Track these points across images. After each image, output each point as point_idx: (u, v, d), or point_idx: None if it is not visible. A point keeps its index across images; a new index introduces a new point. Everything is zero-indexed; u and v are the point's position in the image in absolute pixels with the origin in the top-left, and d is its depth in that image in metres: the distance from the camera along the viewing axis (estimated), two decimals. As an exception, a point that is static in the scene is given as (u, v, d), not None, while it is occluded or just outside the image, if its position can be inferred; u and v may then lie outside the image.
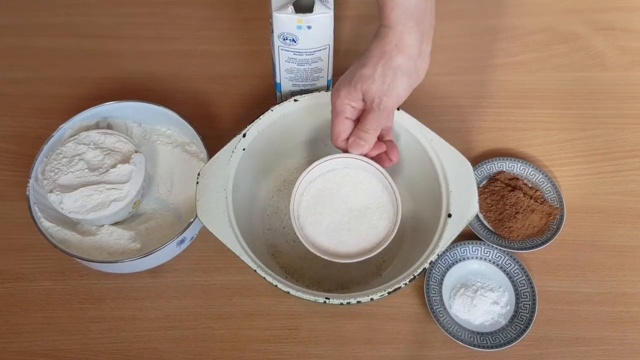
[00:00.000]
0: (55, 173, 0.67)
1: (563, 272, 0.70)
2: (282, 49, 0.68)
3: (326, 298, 0.58)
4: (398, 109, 0.64)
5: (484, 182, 0.75)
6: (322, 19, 0.64)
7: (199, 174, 0.63)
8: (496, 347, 0.64)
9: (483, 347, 0.64)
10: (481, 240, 0.70)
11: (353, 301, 0.58)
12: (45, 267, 0.70)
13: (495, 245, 0.69)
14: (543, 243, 0.70)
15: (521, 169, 0.75)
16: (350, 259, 0.60)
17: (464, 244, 0.69)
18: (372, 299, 0.58)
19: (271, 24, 0.66)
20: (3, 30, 0.87)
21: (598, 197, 0.75)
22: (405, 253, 0.68)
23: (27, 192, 0.67)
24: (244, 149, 0.65)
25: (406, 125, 0.67)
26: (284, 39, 0.66)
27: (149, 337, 0.67)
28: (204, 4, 0.90)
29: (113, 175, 0.67)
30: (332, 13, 0.64)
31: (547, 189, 0.74)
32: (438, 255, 0.59)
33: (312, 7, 0.63)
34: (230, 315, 0.68)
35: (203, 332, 0.67)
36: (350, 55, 0.83)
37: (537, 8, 0.89)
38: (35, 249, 0.70)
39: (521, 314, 0.66)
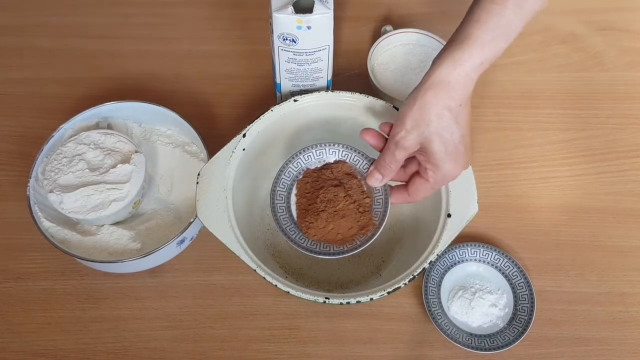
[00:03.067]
0: (56, 173, 0.67)
1: (562, 272, 0.70)
2: (282, 49, 0.68)
3: (326, 298, 0.58)
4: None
5: (319, 166, 0.62)
6: (322, 19, 0.64)
7: (199, 174, 0.64)
8: (494, 349, 0.64)
9: (481, 350, 0.64)
10: (480, 242, 0.69)
11: (353, 301, 0.58)
12: (46, 266, 0.70)
13: (494, 247, 0.69)
14: (328, 254, 0.58)
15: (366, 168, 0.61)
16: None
17: (463, 245, 0.69)
18: (371, 299, 0.58)
19: (271, 24, 0.66)
20: (3, 30, 0.87)
21: (598, 197, 0.75)
22: (405, 253, 0.68)
23: (28, 192, 0.67)
24: (244, 149, 0.66)
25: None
26: (284, 39, 0.66)
27: (149, 337, 0.67)
28: (204, 4, 0.90)
29: (113, 175, 0.67)
30: (331, 13, 0.64)
31: (379, 200, 0.60)
32: (438, 255, 0.60)
33: (312, 7, 0.63)
34: (230, 315, 0.68)
35: (203, 332, 0.67)
36: (350, 55, 0.84)
37: (537, 8, 0.89)
38: (36, 248, 0.70)
39: (519, 316, 0.66)
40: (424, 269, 0.59)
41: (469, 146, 0.56)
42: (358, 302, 0.58)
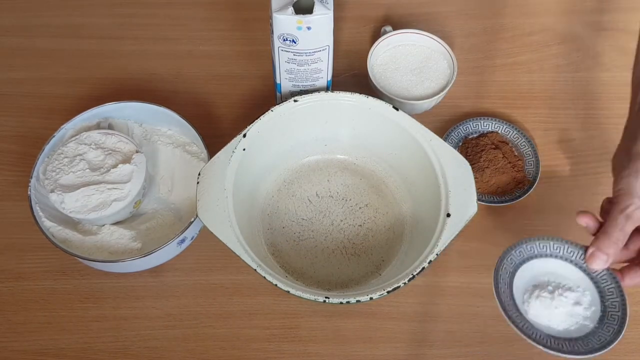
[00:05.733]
0: (57, 173, 0.67)
1: (562, 271, 0.70)
2: (282, 50, 0.68)
3: (326, 297, 0.58)
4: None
5: (474, 136, 0.77)
6: (322, 19, 0.64)
7: (199, 174, 0.64)
8: (592, 352, 0.55)
9: (579, 354, 0.55)
10: (549, 236, 0.61)
11: (352, 300, 0.58)
12: (47, 266, 0.70)
13: (565, 240, 0.60)
14: (497, 202, 0.72)
15: (515, 136, 0.77)
16: None
17: (530, 240, 0.60)
18: (371, 298, 0.58)
19: (271, 24, 0.66)
20: (4, 31, 0.87)
21: (598, 197, 0.74)
22: (405, 252, 0.69)
23: (29, 192, 0.67)
24: (244, 149, 0.66)
25: (405, 125, 0.67)
26: (284, 40, 0.67)
27: (149, 336, 0.67)
28: (205, 4, 0.90)
29: (114, 175, 0.68)
30: (331, 14, 0.64)
31: (530, 162, 0.75)
32: (437, 254, 0.60)
33: (312, 8, 0.64)
34: (230, 314, 0.68)
35: (203, 331, 0.67)
36: (350, 56, 0.84)
37: (537, 8, 0.90)
38: (37, 248, 0.71)
39: (611, 313, 0.57)
40: (423, 268, 0.59)
41: None
42: (358, 301, 0.58)
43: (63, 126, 0.71)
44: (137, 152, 0.69)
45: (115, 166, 0.68)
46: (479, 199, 0.70)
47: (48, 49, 0.86)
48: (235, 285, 0.70)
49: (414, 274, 0.59)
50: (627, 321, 0.57)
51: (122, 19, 0.89)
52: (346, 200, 0.73)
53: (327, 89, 0.74)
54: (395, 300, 0.68)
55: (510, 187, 0.73)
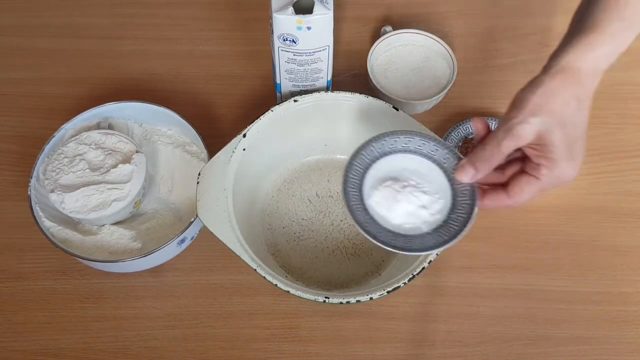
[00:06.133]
0: (57, 173, 0.67)
1: (562, 271, 0.71)
2: (282, 50, 0.68)
3: (326, 297, 0.58)
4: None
5: (474, 136, 0.66)
6: (322, 19, 0.64)
7: (199, 174, 0.64)
8: (407, 250, 0.54)
9: (389, 245, 0.53)
10: (428, 136, 0.58)
11: (352, 300, 0.58)
12: (47, 266, 0.70)
13: (444, 143, 0.57)
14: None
15: None
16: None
17: (409, 134, 0.58)
18: (371, 298, 0.58)
19: (271, 24, 0.66)
20: (4, 31, 0.87)
21: (597, 197, 0.75)
22: (405, 252, 0.68)
23: (29, 192, 0.67)
24: (244, 149, 0.66)
25: (405, 125, 0.67)
26: (284, 40, 0.67)
27: (149, 336, 0.67)
28: (205, 4, 0.90)
29: (114, 175, 0.68)
30: (331, 14, 0.64)
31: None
32: (437, 254, 0.60)
33: (312, 8, 0.64)
34: (230, 314, 0.68)
35: (203, 331, 0.67)
36: (350, 56, 0.84)
37: (537, 8, 0.89)
38: (37, 248, 0.71)
39: (450, 225, 0.55)
40: (423, 268, 0.59)
41: (584, 149, 0.51)
42: (358, 301, 0.58)
43: (63, 126, 0.71)
44: (137, 152, 0.69)
45: (115, 166, 0.68)
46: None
47: (48, 49, 0.86)
48: (235, 285, 0.70)
49: (414, 274, 0.59)
50: (458, 238, 0.54)
51: (122, 19, 0.89)
52: (346, 200, 0.73)
53: (327, 89, 0.74)
54: (395, 300, 0.68)
55: None
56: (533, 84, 0.50)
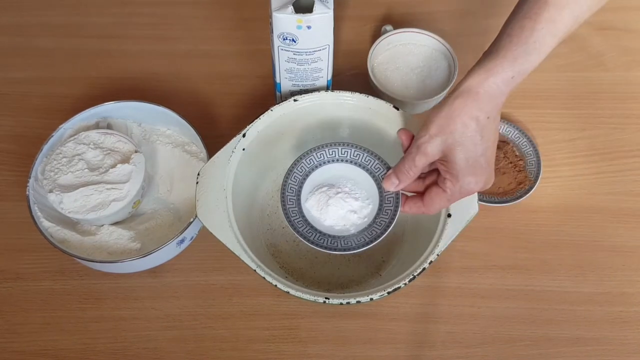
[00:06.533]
0: (55, 173, 0.67)
1: (563, 272, 0.70)
2: (282, 49, 0.68)
3: (326, 298, 0.58)
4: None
5: None
6: (322, 19, 0.64)
7: (198, 174, 0.64)
8: (332, 249, 0.59)
9: (314, 244, 0.59)
10: (363, 147, 0.64)
11: (353, 301, 0.58)
12: (45, 266, 0.70)
13: (377, 155, 0.63)
14: (498, 202, 0.71)
15: (516, 135, 0.76)
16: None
17: (345, 145, 0.63)
18: (371, 299, 0.58)
19: (271, 24, 0.66)
20: (3, 30, 0.87)
21: (598, 197, 0.75)
22: (405, 253, 0.68)
23: (27, 192, 0.67)
24: (243, 149, 0.65)
25: (406, 125, 0.67)
26: (284, 39, 0.66)
27: (148, 337, 0.67)
28: (204, 3, 0.90)
29: (113, 175, 0.67)
30: (331, 13, 0.64)
31: (531, 163, 0.74)
32: (438, 255, 0.60)
33: (312, 7, 0.63)
34: (230, 315, 0.68)
35: (203, 332, 0.67)
36: (350, 55, 0.84)
37: (537, 8, 0.89)
38: (35, 248, 0.70)
39: (373, 229, 0.60)
40: (424, 268, 0.59)
41: (492, 163, 0.55)
42: (358, 302, 0.58)
43: (62, 126, 0.71)
44: (136, 151, 0.69)
45: (114, 166, 0.68)
46: (479, 199, 0.69)
47: (47, 49, 0.86)
48: (234, 286, 0.69)
49: (415, 274, 0.59)
50: (377, 241, 0.59)
51: (122, 19, 0.88)
52: (346, 200, 0.73)
53: (327, 89, 0.74)
54: (395, 300, 0.68)
55: (512, 187, 0.73)
56: (440, 106, 0.54)
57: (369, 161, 0.63)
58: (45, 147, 0.70)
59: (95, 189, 0.66)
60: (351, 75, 0.83)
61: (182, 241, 0.68)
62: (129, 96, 0.76)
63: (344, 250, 0.59)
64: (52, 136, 0.70)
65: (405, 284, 0.58)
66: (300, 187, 0.62)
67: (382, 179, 0.61)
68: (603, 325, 0.67)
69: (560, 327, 0.67)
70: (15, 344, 0.67)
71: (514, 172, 0.73)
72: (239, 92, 0.82)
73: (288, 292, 0.58)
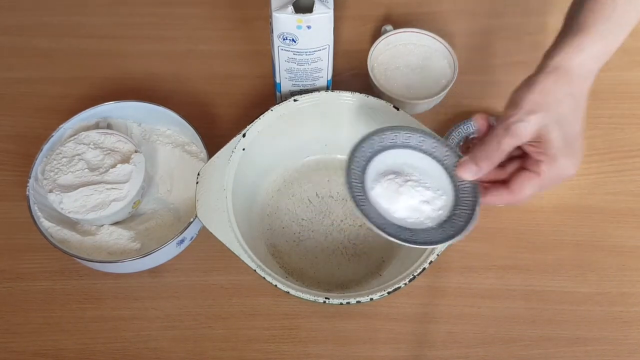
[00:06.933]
0: (55, 173, 0.67)
1: (563, 272, 0.70)
2: (281, 49, 0.68)
3: (326, 298, 0.58)
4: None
5: (475, 135, 0.70)
6: (322, 19, 0.64)
7: (198, 174, 0.64)
8: (413, 243, 0.53)
9: (395, 237, 0.53)
10: (431, 134, 0.60)
11: (353, 301, 0.58)
12: (45, 267, 0.70)
13: (444, 141, 0.58)
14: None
15: None
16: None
17: (410, 130, 0.58)
18: (371, 299, 0.58)
19: (271, 24, 0.66)
20: (3, 30, 0.87)
21: (598, 197, 0.75)
22: (405, 253, 0.68)
23: (27, 192, 0.67)
24: (243, 149, 0.66)
25: (406, 125, 0.67)
26: (284, 39, 0.66)
27: (148, 337, 0.67)
28: (204, 4, 0.90)
29: (113, 175, 0.67)
30: (331, 13, 0.64)
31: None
32: (438, 255, 0.60)
33: (312, 7, 0.63)
34: (229, 315, 0.68)
35: (203, 332, 0.67)
36: (350, 55, 0.84)
37: (537, 8, 0.89)
38: (35, 248, 0.70)
39: (453, 221, 0.55)
40: (424, 268, 0.59)
41: (583, 146, 0.52)
42: (358, 302, 0.58)
43: (62, 126, 0.71)
44: (136, 151, 0.69)
45: (114, 166, 0.68)
46: None
47: (47, 49, 0.86)
48: (234, 286, 0.69)
49: (415, 274, 0.59)
50: (463, 233, 0.54)
51: (122, 19, 0.88)
52: (346, 200, 0.73)
53: (327, 89, 0.74)
54: (395, 300, 0.68)
55: None
56: (529, 83, 0.51)
57: (435, 148, 0.58)
58: (45, 147, 0.70)
59: (95, 189, 0.66)
60: (351, 75, 0.83)
61: (182, 241, 0.68)
62: (129, 96, 0.76)
63: (428, 243, 0.53)
64: (52, 136, 0.70)
65: (405, 284, 0.58)
66: (364, 174, 0.56)
67: (455, 166, 0.55)
68: (603, 325, 0.67)
69: (560, 327, 0.67)
70: (15, 344, 0.66)
71: None
72: (239, 92, 0.82)
73: (288, 292, 0.58)
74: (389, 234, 0.53)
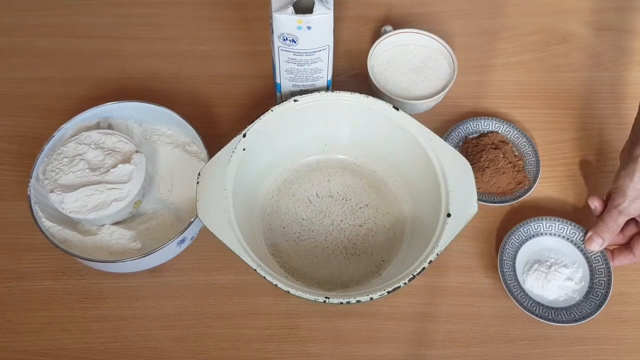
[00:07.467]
0: (56, 173, 0.67)
1: (562, 271, 0.71)
2: (282, 50, 0.68)
3: (326, 297, 0.58)
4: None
5: (475, 135, 0.78)
6: (322, 19, 0.64)
7: (199, 174, 0.64)
8: (571, 321, 0.65)
9: (558, 322, 0.65)
10: (555, 217, 0.70)
11: (353, 300, 0.58)
12: (46, 266, 0.70)
13: (569, 221, 0.70)
14: (497, 202, 0.73)
15: (515, 136, 0.77)
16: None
17: (538, 220, 0.70)
18: (371, 298, 0.58)
19: (271, 24, 0.66)
20: (3, 30, 0.87)
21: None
22: (405, 252, 0.68)
23: (28, 192, 0.67)
24: (244, 149, 0.66)
25: (406, 125, 0.67)
26: (284, 40, 0.66)
27: (149, 337, 0.67)
28: (204, 4, 0.90)
29: (114, 175, 0.68)
30: (331, 14, 0.64)
31: (530, 162, 0.75)
32: (438, 254, 0.60)
33: (312, 7, 0.64)
34: (230, 315, 0.68)
35: (203, 332, 0.67)
36: (350, 56, 0.84)
37: (536, 8, 0.90)
38: (36, 248, 0.70)
39: (596, 290, 0.67)
40: (423, 268, 0.59)
41: None
42: (358, 301, 0.58)
43: (62, 126, 0.71)
44: (136, 152, 0.69)
45: (114, 166, 0.68)
46: (479, 199, 0.70)
47: (47, 49, 0.86)
48: (235, 286, 0.69)
49: (415, 274, 0.59)
50: (608, 298, 0.66)
51: (122, 19, 0.88)
52: (346, 200, 0.73)
53: (327, 89, 0.74)
54: (395, 300, 0.68)
55: (511, 187, 0.73)
56: (629, 175, 0.63)
57: (562, 229, 0.70)
58: (47, 147, 0.70)
59: (96, 189, 0.66)
60: (351, 75, 0.83)
61: (182, 241, 0.68)
62: (129, 96, 0.76)
63: (583, 318, 0.65)
64: (53, 136, 0.70)
65: (405, 283, 0.59)
66: (513, 269, 0.68)
67: (584, 241, 0.68)
68: (602, 325, 0.67)
69: (560, 327, 0.67)
70: (16, 344, 0.67)
71: (513, 172, 0.74)
72: (239, 92, 0.82)
73: (288, 292, 0.58)
74: (540, 316, 0.65)
